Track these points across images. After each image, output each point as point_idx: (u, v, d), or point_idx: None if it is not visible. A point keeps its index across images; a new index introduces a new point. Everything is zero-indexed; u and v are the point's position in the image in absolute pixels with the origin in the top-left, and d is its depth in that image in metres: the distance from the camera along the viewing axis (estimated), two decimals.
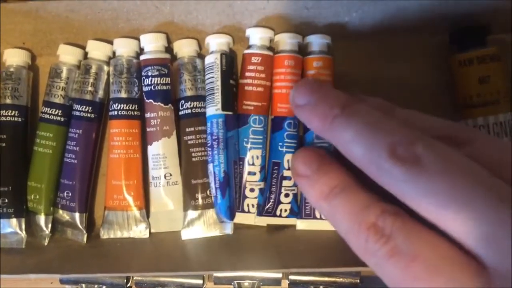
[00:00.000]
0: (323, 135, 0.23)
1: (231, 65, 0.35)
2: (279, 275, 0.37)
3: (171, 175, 0.35)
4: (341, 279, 0.36)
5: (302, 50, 0.36)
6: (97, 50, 0.36)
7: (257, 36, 0.36)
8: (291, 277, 0.37)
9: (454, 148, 0.20)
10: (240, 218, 0.35)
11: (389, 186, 0.20)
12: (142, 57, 0.36)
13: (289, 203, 0.35)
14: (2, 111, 0.35)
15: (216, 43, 0.36)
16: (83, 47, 0.37)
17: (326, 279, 0.36)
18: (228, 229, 0.34)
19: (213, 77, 0.34)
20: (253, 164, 0.35)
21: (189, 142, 0.35)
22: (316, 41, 0.35)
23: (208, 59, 0.35)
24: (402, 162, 0.19)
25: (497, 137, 0.33)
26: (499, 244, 0.17)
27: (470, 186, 0.18)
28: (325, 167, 0.23)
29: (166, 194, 0.35)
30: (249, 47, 0.36)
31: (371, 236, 0.19)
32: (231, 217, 0.34)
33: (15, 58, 0.37)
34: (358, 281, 0.36)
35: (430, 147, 0.19)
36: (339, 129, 0.22)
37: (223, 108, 0.34)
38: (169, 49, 0.37)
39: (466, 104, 0.34)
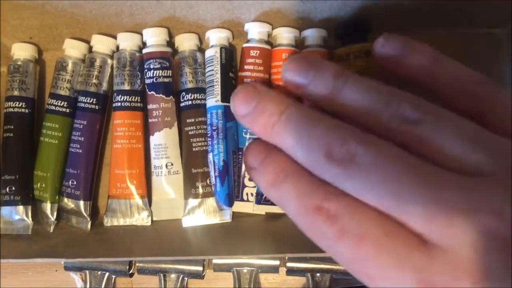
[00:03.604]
0: (267, 140, 0.24)
1: (231, 59, 0.36)
2: (277, 262, 0.38)
3: (172, 164, 0.36)
4: (337, 266, 0.37)
5: (299, 44, 0.37)
6: (101, 44, 0.38)
7: (255, 30, 0.37)
8: (289, 264, 0.38)
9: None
10: (239, 206, 0.36)
11: (334, 184, 0.20)
12: (144, 51, 0.37)
13: None
14: (9, 103, 0.37)
15: (216, 37, 0.37)
16: (88, 42, 0.38)
17: (322, 266, 0.37)
18: (227, 216, 0.36)
19: (213, 69, 0.35)
20: None
21: (189, 132, 0.36)
22: (312, 35, 0.36)
23: (208, 53, 0.36)
24: (338, 163, 0.20)
25: None
26: (436, 220, 0.18)
27: (403, 172, 0.19)
28: (271, 156, 0.23)
29: (168, 183, 0.36)
30: (248, 41, 0.37)
31: (317, 218, 0.20)
32: (230, 204, 0.35)
33: (22, 52, 0.38)
34: None
35: (362, 144, 0.20)
36: (279, 137, 0.23)
37: (223, 100, 0.35)
38: (170, 43, 0.38)
39: None
